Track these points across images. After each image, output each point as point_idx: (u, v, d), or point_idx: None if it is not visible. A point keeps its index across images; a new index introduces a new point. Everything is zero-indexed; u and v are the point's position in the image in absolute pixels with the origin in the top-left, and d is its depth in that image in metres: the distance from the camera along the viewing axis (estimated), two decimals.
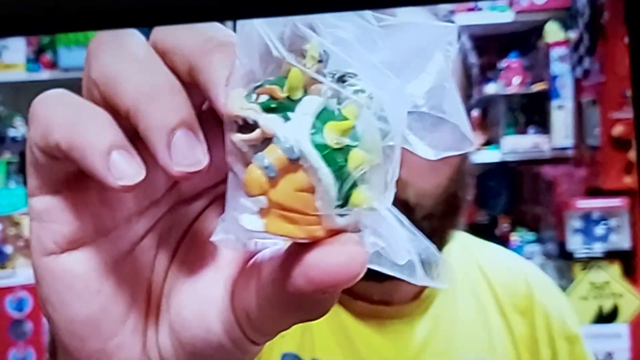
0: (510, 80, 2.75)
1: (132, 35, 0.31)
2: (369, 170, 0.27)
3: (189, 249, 0.34)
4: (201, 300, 0.33)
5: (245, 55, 0.28)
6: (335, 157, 0.27)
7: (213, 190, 0.34)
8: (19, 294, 2.44)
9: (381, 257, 0.29)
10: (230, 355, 0.33)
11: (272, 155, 0.27)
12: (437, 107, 0.30)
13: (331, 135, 0.27)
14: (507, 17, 2.66)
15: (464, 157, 0.85)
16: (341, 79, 0.28)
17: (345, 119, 0.27)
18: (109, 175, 0.28)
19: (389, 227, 0.28)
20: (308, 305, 0.30)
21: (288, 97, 0.27)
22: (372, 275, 0.88)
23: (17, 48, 2.87)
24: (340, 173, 0.27)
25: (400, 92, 0.28)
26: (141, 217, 0.33)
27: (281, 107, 0.27)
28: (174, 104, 0.28)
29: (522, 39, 2.81)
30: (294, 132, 0.26)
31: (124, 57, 0.30)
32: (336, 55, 0.28)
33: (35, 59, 2.89)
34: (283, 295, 0.29)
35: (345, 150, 0.27)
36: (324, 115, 0.27)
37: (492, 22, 2.64)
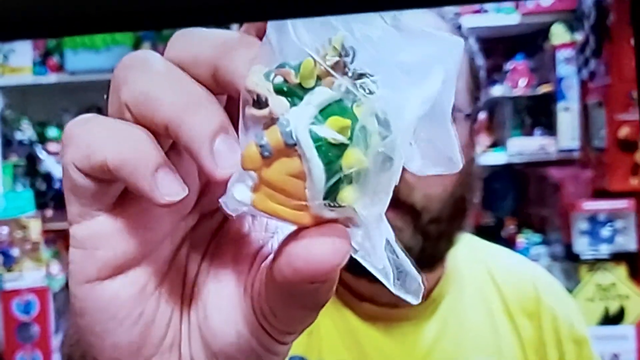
0: (516, 82, 2.74)
1: (153, 55, 0.31)
2: (362, 173, 0.28)
3: (212, 261, 0.35)
4: (228, 309, 0.33)
5: (274, 35, 0.29)
6: (329, 151, 0.27)
7: None
8: (26, 296, 2.45)
9: (365, 254, 0.29)
10: (262, 359, 0.34)
11: (270, 136, 0.27)
12: (427, 125, 0.30)
13: (329, 130, 0.27)
14: (513, 19, 2.65)
15: (470, 160, 0.85)
16: (359, 77, 0.28)
17: (354, 116, 0.28)
18: (156, 192, 0.29)
19: (375, 231, 0.29)
20: (302, 295, 0.31)
21: (300, 84, 0.28)
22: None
23: (24, 51, 2.87)
24: (330, 167, 0.27)
25: (412, 100, 0.29)
26: (173, 235, 0.34)
27: (291, 92, 0.28)
28: (210, 111, 0.29)
29: (528, 41, 2.81)
30: (295, 118, 0.27)
31: (151, 75, 0.30)
32: (363, 53, 0.28)
33: (41, 62, 2.89)
34: (281, 287, 0.30)
35: (341, 147, 0.27)
36: (330, 109, 0.28)
37: (498, 24, 2.64)
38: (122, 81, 0.31)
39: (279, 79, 0.28)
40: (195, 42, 0.31)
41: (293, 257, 0.28)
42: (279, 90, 0.28)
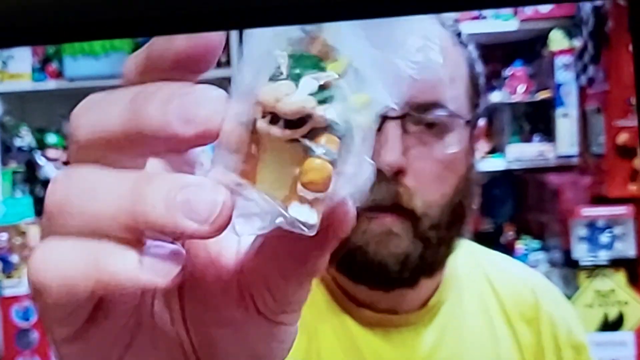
0: (515, 88, 2.74)
1: (71, 176, 0.30)
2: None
3: (193, 293, 0.34)
4: (239, 332, 0.34)
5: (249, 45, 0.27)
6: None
7: None
8: (25, 303, 2.44)
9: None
10: (278, 346, 0.35)
11: (334, 145, 0.27)
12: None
13: (360, 109, 0.27)
14: (511, 25, 2.66)
15: (469, 166, 0.85)
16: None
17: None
18: (153, 283, 0.28)
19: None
20: (307, 263, 0.31)
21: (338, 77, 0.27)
22: (379, 285, 0.88)
23: (23, 58, 2.87)
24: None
25: (379, 60, 0.28)
26: (143, 294, 0.33)
27: (331, 94, 0.27)
28: (152, 189, 0.28)
29: (527, 47, 2.81)
30: (342, 114, 0.27)
31: (90, 197, 0.29)
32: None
33: (41, 69, 2.89)
34: (301, 264, 0.31)
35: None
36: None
37: (497, 30, 2.64)
38: (60, 216, 0.30)
39: (312, 87, 0.26)
40: (96, 117, 0.29)
41: (335, 228, 0.29)
42: (322, 100, 0.26)
